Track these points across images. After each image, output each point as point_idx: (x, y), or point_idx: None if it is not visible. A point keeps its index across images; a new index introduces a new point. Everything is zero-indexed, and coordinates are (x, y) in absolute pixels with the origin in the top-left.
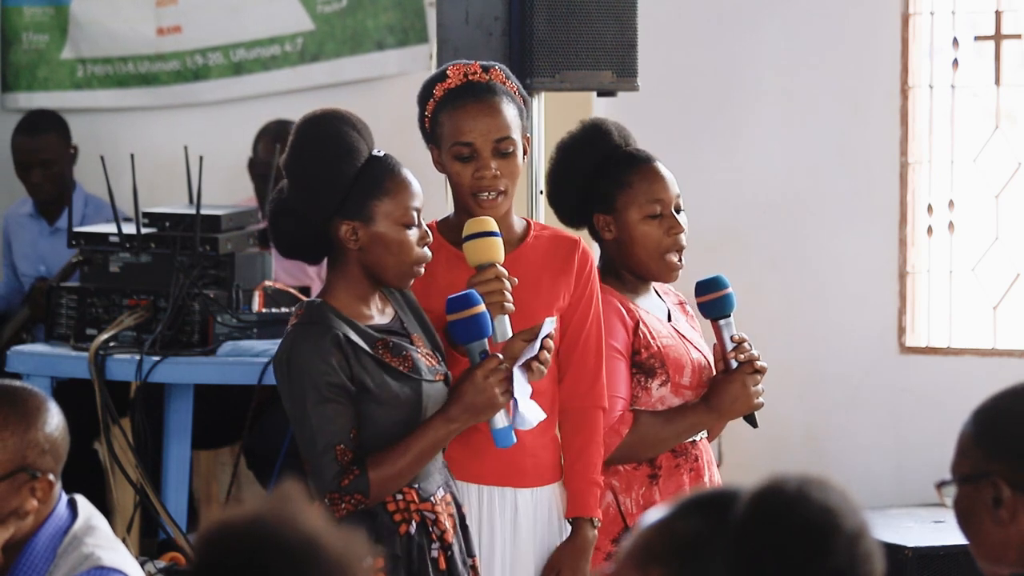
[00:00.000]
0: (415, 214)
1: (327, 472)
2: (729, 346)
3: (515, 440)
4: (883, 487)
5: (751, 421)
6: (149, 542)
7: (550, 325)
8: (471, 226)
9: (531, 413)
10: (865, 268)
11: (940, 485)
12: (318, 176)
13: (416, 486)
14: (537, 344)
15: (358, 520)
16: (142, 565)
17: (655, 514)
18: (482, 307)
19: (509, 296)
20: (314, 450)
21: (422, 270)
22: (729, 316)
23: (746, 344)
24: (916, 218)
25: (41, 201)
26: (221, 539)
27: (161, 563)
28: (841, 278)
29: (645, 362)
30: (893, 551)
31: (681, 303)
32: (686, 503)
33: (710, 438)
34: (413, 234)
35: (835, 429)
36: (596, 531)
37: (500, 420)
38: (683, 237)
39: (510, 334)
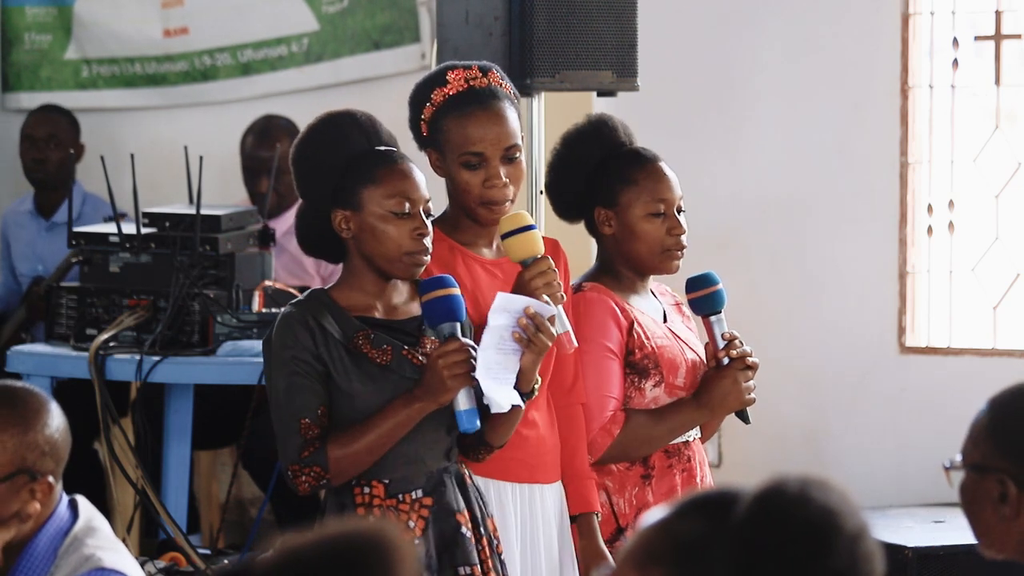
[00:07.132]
0: (407, 203)
1: (290, 444)
2: (720, 343)
3: (477, 426)
4: (883, 487)
5: (743, 417)
6: (149, 542)
7: (503, 299)
8: (508, 222)
9: (501, 396)
10: (865, 268)
11: (948, 468)
12: (308, 162)
13: (385, 481)
14: (502, 320)
15: (334, 510)
16: (142, 565)
17: (655, 515)
18: (455, 290)
19: (561, 285)
20: (280, 423)
21: (422, 260)
22: (720, 312)
23: (737, 340)
24: (916, 218)
25: (39, 181)
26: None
27: (161, 563)
28: (841, 278)
29: (639, 362)
30: (893, 551)
31: (677, 304)
32: (687, 503)
33: (704, 437)
34: (404, 224)
35: (835, 429)
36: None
37: (461, 403)
38: (684, 238)
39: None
